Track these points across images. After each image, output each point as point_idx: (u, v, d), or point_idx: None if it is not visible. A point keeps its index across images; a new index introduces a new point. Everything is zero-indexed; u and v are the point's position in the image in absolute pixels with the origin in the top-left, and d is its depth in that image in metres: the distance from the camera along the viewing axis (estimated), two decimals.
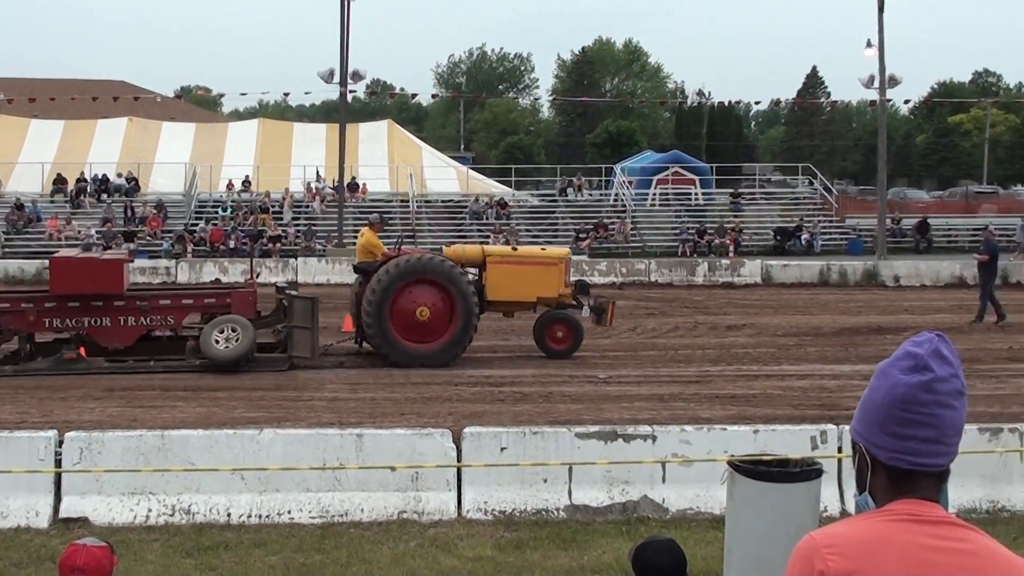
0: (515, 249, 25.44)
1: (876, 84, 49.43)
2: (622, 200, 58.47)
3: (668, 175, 60.51)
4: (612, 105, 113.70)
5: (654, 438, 12.25)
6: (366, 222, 24.13)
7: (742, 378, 21.05)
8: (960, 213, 64.01)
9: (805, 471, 8.98)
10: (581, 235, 53.43)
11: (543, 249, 25.74)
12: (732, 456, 9.53)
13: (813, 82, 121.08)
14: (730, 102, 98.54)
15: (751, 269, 41.73)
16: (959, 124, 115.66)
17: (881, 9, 48.30)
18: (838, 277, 41.55)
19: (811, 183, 63.32)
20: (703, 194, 60.15)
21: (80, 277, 21.10)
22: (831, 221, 57.80)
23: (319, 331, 22.04)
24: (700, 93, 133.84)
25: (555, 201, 59.67)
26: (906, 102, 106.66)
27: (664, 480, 12.21)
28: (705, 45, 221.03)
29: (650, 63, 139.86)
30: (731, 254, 50.50)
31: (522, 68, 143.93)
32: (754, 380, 20.83)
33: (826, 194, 61.21)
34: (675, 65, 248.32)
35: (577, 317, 23.76)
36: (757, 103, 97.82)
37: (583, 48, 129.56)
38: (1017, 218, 59.75)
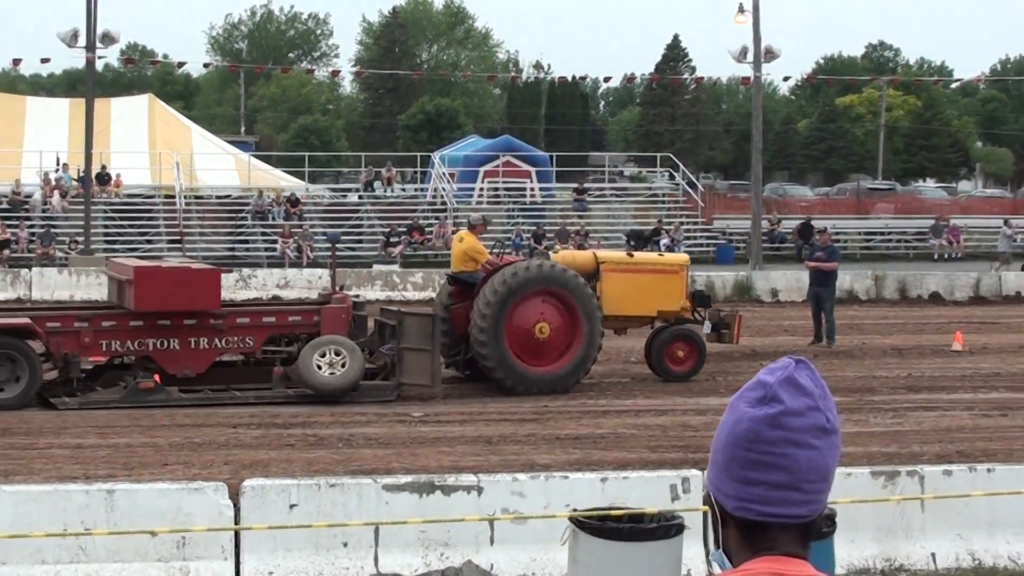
0: (631, 255, 26.34)
1: (750, 58, 50.54)
2: (442, 196, 58.67)
3: (498, 166, 60.93)
4: (430, 79, 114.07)
5: (480, 490, 12.31)
6: (465, 223, 24.90)
7: (587, 415, 21.25)
8: (850, 214, 65.83)
9: (663, 527, 9.13)
10: (391, 239, 53.43)
11: (661, 255, 27.15)
12: (575, 511, 9.64)
13: (675, 54, 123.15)
14: (574, 77, 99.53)
15: None
16: (850, 107, 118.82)
17: None
18: (704, 290, 42.24)
19: (672, 176, 64.46)
20: (541, 189, 60.71)
21: (170, 291, 21.56)
22: (696, 223, 58.91)
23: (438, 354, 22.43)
24: (538, 66, 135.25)
25: (359, 197, 59.58)
26: (786, 79, 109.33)
27: (492, 541, 12.26)
28: (544, 8, 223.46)
29: (477, 28, 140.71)
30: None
31: (318, 32, 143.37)
32: (602, 417, 21.04)
33: (690, 190, 62.29)
34: (507, 32, 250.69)
35: (700, 334, 24.74)
36: (607, 79, 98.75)
37: (394, 8, 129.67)
38: (929, 219, 61.78)
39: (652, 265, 25.13)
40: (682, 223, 57.41)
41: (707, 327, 25.18)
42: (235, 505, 12.02)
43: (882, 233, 62.45)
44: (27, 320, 21.69)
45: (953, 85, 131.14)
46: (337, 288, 25.34)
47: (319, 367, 21.53)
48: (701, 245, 56.22)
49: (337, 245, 34.32)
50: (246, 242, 53.30)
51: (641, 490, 12.25)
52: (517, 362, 22.75)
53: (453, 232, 54.50)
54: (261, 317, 22.74)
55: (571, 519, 9.31)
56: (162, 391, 21.44)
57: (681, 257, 26.53)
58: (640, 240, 54.85)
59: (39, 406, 21.36)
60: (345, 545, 12.10)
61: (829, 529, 10.54)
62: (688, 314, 24.90)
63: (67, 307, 25.52)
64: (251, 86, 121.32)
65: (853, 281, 42.02)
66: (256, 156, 69.03)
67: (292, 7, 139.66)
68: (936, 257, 58.55)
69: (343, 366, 21.58)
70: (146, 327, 21.63)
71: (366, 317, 23.47)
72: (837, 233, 58.58)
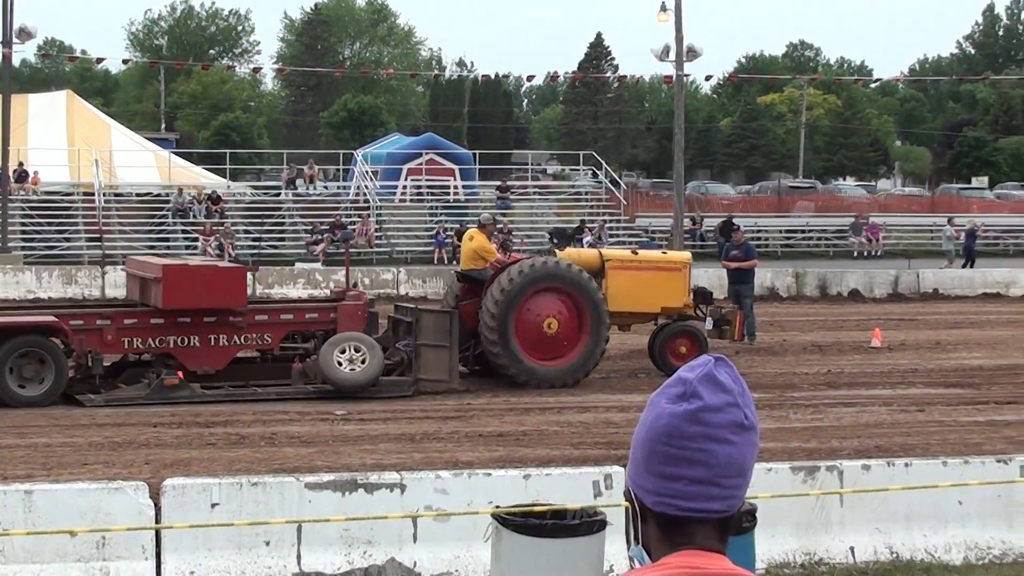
0: (635, 252, 27.25)
1: (672, 56, 50.82)
2: (364, 194, 58.53)
3: (421, 164, 60.85)
4: (352, 77, 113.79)
5: (403, 487, 12.31)
6: (476, 222, 25.34)
7: (511, 412, 21.29)
8: (771, 212, 66.31)
9: (586, 523, 9.18)
10: (314, 237, 53.27)
11: (665, 252, 27.93)
12: (498, 508, 9.67)
13: (597, 53, 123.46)
14: (497, 75, 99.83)
15: None
16: (771, 106, 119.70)
17: None
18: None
19: (595, 175, 64.61)
20: (464, 187, 60.69)
21: (199, 289, 21.83)
22: (619, 221, 59.11)
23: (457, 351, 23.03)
24: (461, 64, 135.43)
25: (281, 195, 59.34)
26: (707, 78, 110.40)
27: (416, 539, 12.27)
28: (467, 5, 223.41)
29: (399, 26, 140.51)
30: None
31: (239, 28, 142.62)
32: (525, 414, 21.09)
33: (613, 188, 62.50)
34: (430, 29, 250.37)
35: (702, 330, 25.53)
36: (530, 78, 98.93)
37: (316, 5, 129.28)
38: (849, 217, 62.31)
39: (656, 263, 25.97)
40: (605, 221, 57.58)
41: (709, 323, 26.08)
42: (156, 504, 11.95)
43: (802, 231, 62.93)
44: (53, 318, 21.92)
45: (872, 85, 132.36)
46: (351, 285, 25.80)
47: (339, 363, 21.96)
48: (624, 243, 56.34)
49: (334, 245, 35.18)
50: (166, 240, 52.92)
51: (564, 487, 12.29)
52: (527, 357, 23.26)
53: (377, 231, 54.50)
54: (279, 314, 23.18)
55: (494, 516, 9.33)
56: (187, 387, 21.76)
57: (684, 255, 27.35)
58: (564, 238, 54.96)
59: (65, 404, 21.37)
60: (267, 544, 12.06)
61: (750, 524, 10.64)
62: (690, 311, 25.73)
63: (89, 305, 26.12)
64: (171, 83, 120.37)
65: (774, 278, 42.34)
66: (176, 153, 68.52)
67: (213, 3, 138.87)
68: (856, 255, 59.09)
69: (363, 362, 22.03)
70: (167, 324, 22.00)
71: (377, 314, 23.86)
72: (758, 231, 59.13)
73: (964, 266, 49.76)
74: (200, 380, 22.15)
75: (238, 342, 22.57)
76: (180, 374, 21.86)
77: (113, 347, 22.05)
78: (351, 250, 28.21)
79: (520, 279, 23.26)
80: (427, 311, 23.62)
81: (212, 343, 22.22)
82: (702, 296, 26.44)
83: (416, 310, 23.62)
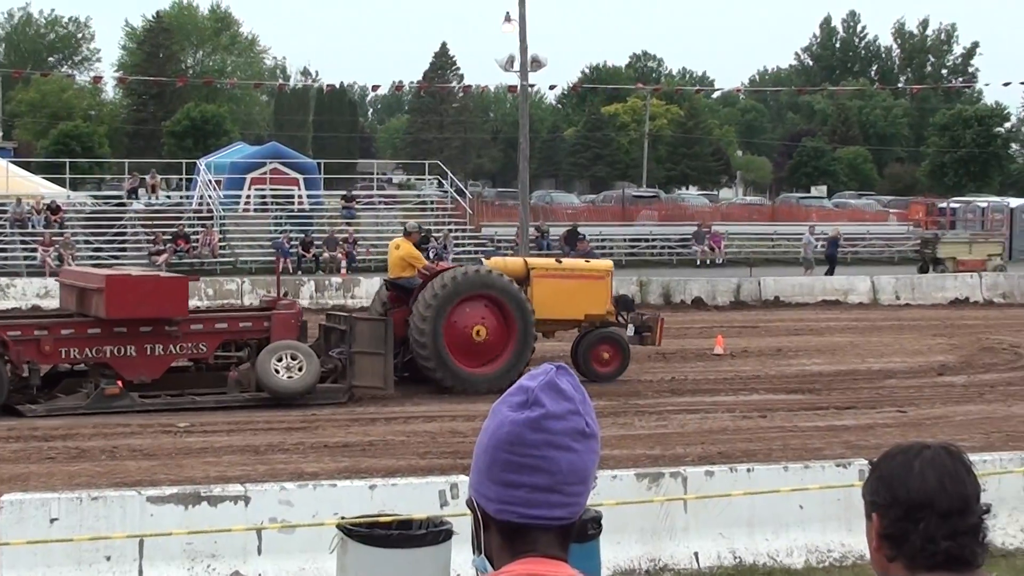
0: (559, 261, 27.85)
1: (517, 66, 50.95)
2: (208, 204, 57.95)
3: (265, 173, 60.39)
4: (195, 85, 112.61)
5: (247, 500, 12.20)
6: (401, 231, 25.79)
7: (357, 422, 21.26)
8: (616, 221, 66.81)
9: (432, 533, 9.17)
10: (157, 248, 52.62)
11: (588, 262, 28.54)
12: (344, 519, 9.62)
13: (443, 62, 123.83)
14: (342, 84, 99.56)
15: (368, 288, 42.11)
16: (615, 116, 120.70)
17: None
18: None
19: (440, 184, 64.63)
20: (309, 196, 60.36)
21: (141, 299, 22.06)
22: (464, 230, 59.17)
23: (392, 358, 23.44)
24: (305, 73, 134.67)
25: (123, 205, 58.52)
26: (552, 88, 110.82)
27: (260, 551, 12.17)
28: (312, 15, 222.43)
29: (242, 34, 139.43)
30: (343, 271, 50.89)
31: (79, 36, 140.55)
32: (371, 425, 21.07)
33: (458, 197, 62.57)
34: (274, 38, 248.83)
35: (624, 336, 26.04)
36: (375, 87, 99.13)
37: (158, 13, 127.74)
38: (692, 226, 62.97)
39: (579, 271, 26.58)
40: (451, 230, 57.62)
41: (630, 330, 26.61)
42: None
43: (646, 240, 63.45)
44: None
45: (714, 95, 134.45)
46: (281, 295, 26.30)
47: (277, 371, 22.35)
48: (470, 252, 56.45)
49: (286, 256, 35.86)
50: (4, 250, 51.89)
51: (410, 497, 12.27)
52: (456, 364, 23.74)
53: (220, 241, 53.96)
54: (214, 323, 23.49)
55: (339, 527, 9.28)
56: (127, 397, 21.97)
57: (606, 264, 28.12)
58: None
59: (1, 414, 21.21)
60: (108, 559, 11.88)
61: (595, 531, 10.69)
62: (612, 318, 26.40)
63: (25, 316, 26.18)
64: (9, 91, 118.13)
65: (618, 287, 42.61)
66: (14, 162, 67.16)
67: (52, 10, 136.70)
68: (698, 263, 59.69)
69: (300, 370, 22.46)
70: (104, 334, 22.14)
71: (306, 322, 24.34)
72: (603, 240, 59.58)
73: (827, 273, 50.59)
74: (136, 389, 22.31)
75: (174, 351, 22.80)
76: (120, 383, 22.02)
77: (51, 357, 22.27)
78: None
79: (451, 287, 23.91)
80: (361, 319, 24.18)
81: (148, 352, 22.45)
82: (623, 303, 27.22)
83: (350, 318, 24.14)
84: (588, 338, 26.00)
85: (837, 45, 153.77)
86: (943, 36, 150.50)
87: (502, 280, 24.44)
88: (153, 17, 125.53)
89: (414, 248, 25.33)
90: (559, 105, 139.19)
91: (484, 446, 2.95)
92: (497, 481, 2.91)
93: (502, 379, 23.63)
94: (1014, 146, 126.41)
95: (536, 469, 2.88)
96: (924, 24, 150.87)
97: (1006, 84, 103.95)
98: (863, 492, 3.29)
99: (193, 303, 39.94)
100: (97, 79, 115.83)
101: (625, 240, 62.94)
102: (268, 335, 23.06)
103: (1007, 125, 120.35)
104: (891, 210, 77.42)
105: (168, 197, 61.74)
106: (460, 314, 24.11)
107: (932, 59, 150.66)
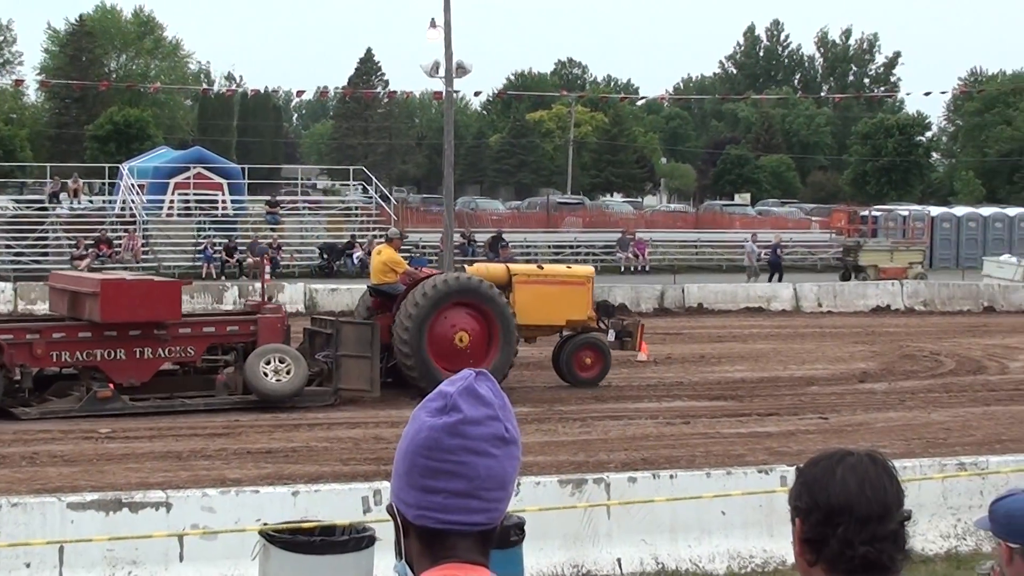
0: (541, 268, 27.94)
1: (442, 72, 50.95)
2: (131, 208, 57.57)
3: (189, 177, 60.07)
4: (119, 89, 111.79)
5: (169, 506, 12.14)
6: (383, 237, 25.76)
7: (280, 428, 21.18)
8: (540, 227, 66.95)
9: (354, 539, 9.16)
10: (79, 252, 52.20)
11: (569, 268, 28.70)
12: (266, 525, 9.59)
13: (368, 68, 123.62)
14: (267, 89, 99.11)
15: (292, 294, 42.04)
16: (540, 122, 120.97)
17: None
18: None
19: (365, 190, 64.59)
20: (233, 202, 60.11)
21: (136, 303, 22.28)
22: None
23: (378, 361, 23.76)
24: (229, 78, 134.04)
25: (44, 209, 58.03)
26: (477, 94, 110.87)
27: (182, 558, 12.09)
28: (236, 18, 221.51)
29: (166, 39, 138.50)
30: (267, 276, 50.61)
31: (1, 39, 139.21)
32: (295, 431, 20.99)
33: (383, 203, 62.52)
34: (198, 42, 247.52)
35: (605, 342, 26.33)
36: (300, 92, 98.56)
37: (80, 16, 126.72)
38: (616, 232, 63.22)
39: (561, 278, 26.77)
40: (375, 236, 57.51)
41: (611, 335, 26.90)
42: None
43: (571, 246, 63.63)
44: None
45: (639, 103, 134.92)
46: (266, 299, 26.58)
47: (265, 374, 22.59)
48: None
49: (265, 257, 36.04)
50: None
51: (333, 503, 12.25)
52: (439, 369, 23.59)
53: (143, 246, 53.59)
54: (202, 327, 23.61)
55: (261, 533, 9.25)
56: (118, 399, 22.09)
57: (587, 270, 28.22)
58: (333, 253, 54.83)
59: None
60: (28, 566, 11.78)
61: (518, 538, 10.70)
62: (593, 323, 26.65)
63: (18, 319, 26.28)
64: None
65: None
66: None
67: None
68: (623, 270, 59.97)
69: (288, 373, 22.72)
70: (95, 338, 22.35)
71: (290, 326, 24.63)
72: (527, 246, 59.71)
73: (771, 279, 51.08)
74: (125, 393, 22.38)
75: (163, 355, 22.97)
76: (112, 386, 22.14)
77: (42, 361, 22.33)
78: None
79: (433, 294, 24.01)
80: (349, 323, 24.44)
81: (138, 356, 22.58)
82: (604, 309, 27.51)
83: (337, 322, 24.46)
84: (570, 343, 26.40)
85: (761, 54, 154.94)
86: (866, 46, 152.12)
87: (484, 287, 24.58)
88: (76, 20, 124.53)
89: (396, 254, 25.45)
90: (484, 111, 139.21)
91: (403, 451, 2.95)
92: (415, 487, 2.91)
93: None
94: (935, 155, 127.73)
95: (453, 474, 2.88)
96: (847, 33, 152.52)
97: (927, 93, 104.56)
98: (788, 497, 3.33)
99: None
100: (19, 82, 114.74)
101: (550, 247, 63.08)
102: (255, 339, 23.33)
103: (928, 134, 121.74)
104: (814, 218, 78.08)
105: (91, 202, 61.26)
106: (443, 321, 24.26)
107: (855, 68, 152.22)
